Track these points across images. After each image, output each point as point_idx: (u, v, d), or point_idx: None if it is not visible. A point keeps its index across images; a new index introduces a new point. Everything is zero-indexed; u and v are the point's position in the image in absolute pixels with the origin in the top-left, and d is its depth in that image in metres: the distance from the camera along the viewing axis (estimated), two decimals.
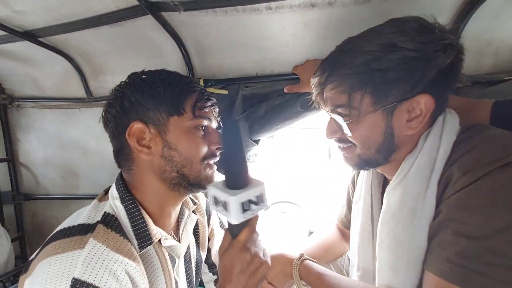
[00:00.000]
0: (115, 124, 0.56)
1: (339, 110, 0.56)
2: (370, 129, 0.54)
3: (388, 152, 0.56)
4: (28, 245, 1.44)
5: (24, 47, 1.02)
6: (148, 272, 0.54)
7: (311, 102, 0.63)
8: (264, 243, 0.55)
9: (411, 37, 0.49)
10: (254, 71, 1.00)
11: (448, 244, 0.46)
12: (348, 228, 0.81)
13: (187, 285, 0.67)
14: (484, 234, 0.42)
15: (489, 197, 0.43)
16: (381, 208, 0.60)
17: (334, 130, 0.59)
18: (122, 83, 0.58)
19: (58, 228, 0.52)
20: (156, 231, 0.56)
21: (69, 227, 0.51)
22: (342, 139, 0.59)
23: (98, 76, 1.16)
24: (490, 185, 0.43)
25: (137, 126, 0.54)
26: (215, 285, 0.86)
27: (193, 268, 0.71)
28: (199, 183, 0.58)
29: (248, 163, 0.50)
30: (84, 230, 0.49)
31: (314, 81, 0.59)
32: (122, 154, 0.57)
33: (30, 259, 0.50)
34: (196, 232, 0.74)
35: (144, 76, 0.58)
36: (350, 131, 0.55)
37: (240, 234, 0.50)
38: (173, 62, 1.03)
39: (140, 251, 0.53)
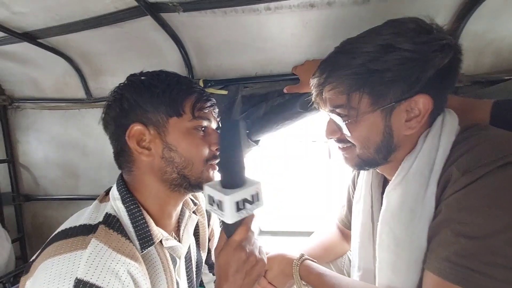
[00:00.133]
0: (114, 126, 0.56)
1: (338, 110, 0.56)
2: (369, 129, 0.54)
3: (388, 152, 0.56)
4: (28, 246, 1.44)
5: (23, 48, 1.02)
6: (150, 272, 0.54)
7: (310, 102, 0.63)
8: (260, 241, 0.55)
9: (408, 37, 0.49)
10: (254, 72, 1.00)
11: (448, 244, 0.46)
12: (348, 228, 0.81)
13: (188, 286, 0.67)
14: (484, 233, 0.42)
15: (489, 197, 0.43)
16: (381, 208, 0.60)
17: (333, 130, 0.60)
18: (121, 84, 0.58)
19: (59, 229, 0.52)
20: (157, 232, 0.56)
21: (70, 228, 0.51)
22: (342, 140, 0.60)
23: (98, 77, 1.16)
24: (489, 185, 0.43)
25: (136, 128, 0.54)
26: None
27: (194, 269, 0.71)
28: (200, 184, 0.58)
29: (245, 163, 0.49)
30: (86, 230, 0.49)
31: (313, 82, 0.59)
32: (122, 155, 0.57)
33: (31, 260, 0.50)
34: (196, 232, 0.74)
35: (143, 78, 0.57)
36: (349, 131, 0.55)
37: (235, 233, 0.50)
38: (173, 63, 1.03)
39: (142, 252, 0.53)
